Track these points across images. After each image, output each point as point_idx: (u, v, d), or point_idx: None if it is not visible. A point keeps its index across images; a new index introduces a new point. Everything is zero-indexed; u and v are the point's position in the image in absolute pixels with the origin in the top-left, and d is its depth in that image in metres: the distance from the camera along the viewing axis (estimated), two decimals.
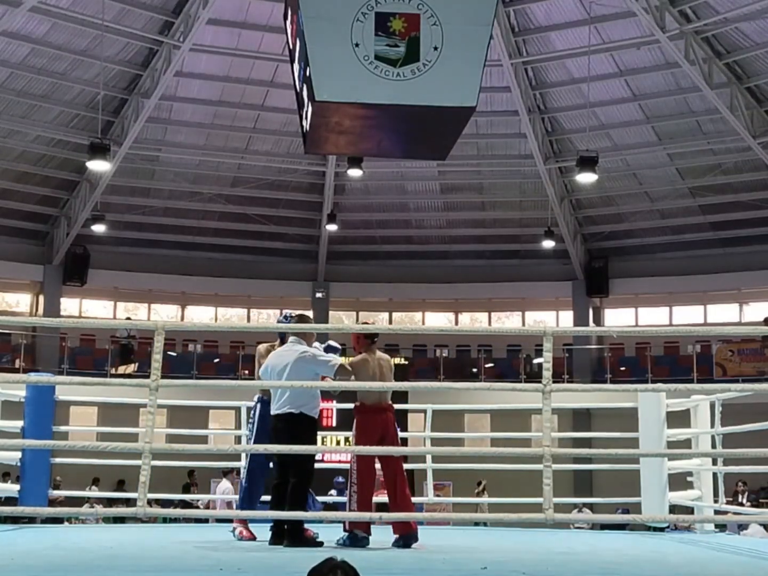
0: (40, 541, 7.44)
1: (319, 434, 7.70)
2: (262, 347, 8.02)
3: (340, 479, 13.87)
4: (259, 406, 7.79)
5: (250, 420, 7.99)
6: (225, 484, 14.30)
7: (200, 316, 25.49)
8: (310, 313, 24.09)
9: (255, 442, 7.66)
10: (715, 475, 9.41)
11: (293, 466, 7.15)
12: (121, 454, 8.54)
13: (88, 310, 24.69)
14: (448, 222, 24.75)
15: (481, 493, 17.32)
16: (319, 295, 24.88)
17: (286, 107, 20.57)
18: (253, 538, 7.72)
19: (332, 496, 13.08)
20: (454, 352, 23.98)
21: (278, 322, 8.36)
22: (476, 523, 12.88)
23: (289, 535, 7.02)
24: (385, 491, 7.40)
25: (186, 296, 25.16)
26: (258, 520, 8.01)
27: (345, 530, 7.15)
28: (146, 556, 6.61)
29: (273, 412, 7.30)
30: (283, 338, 7.82)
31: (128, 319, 24.07)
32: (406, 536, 7.14)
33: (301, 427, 7.18)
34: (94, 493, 15.85)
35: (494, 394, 15.07)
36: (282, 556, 6.59)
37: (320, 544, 7.03)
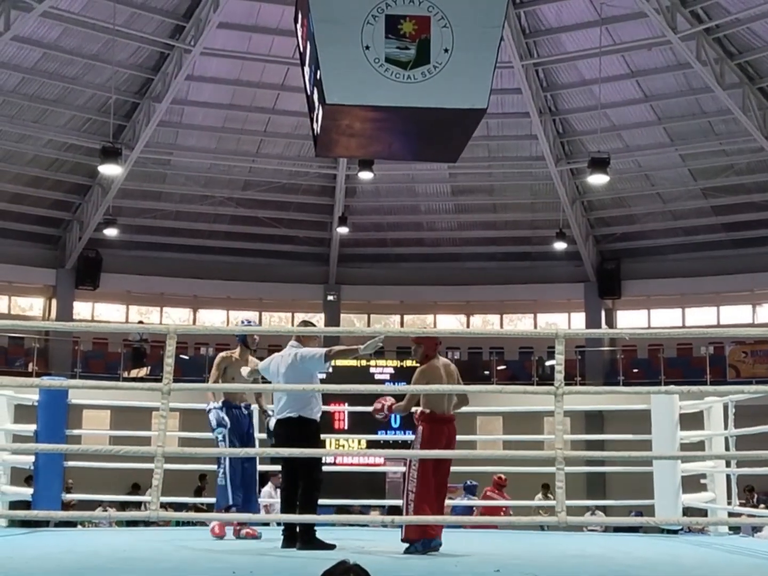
0: (53, 544, 7.46)
1: (333, 437, 7.71)
2: (219, 356, 8.24)
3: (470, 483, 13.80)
4: (224, 410, 7.95)
5: (222, 424, 8.00)
6: (267, 488, 14.16)
7: (212, 319, 25.52)
8: (321, 317, 24.31)
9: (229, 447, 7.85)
10: (728, 477, 9.38)
11: (301, 471, 7.14)
12: (134, 458, 8.56)
13: (101, 313, 24.76)
14: (459, 224, 24.73)
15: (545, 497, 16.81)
16: (330, 297, 24.88)
17: (296, 110, 20.59)
18: (254, 535, 7.91)
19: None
20: (465, 354, 23.93)
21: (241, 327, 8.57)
22: (542, 527, 12.73)
23: (302, 538, 7.03)
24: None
25: (198, 299, 25.20)
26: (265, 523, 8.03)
27: (407, 539, 6.88)
28: (159, 559, 6.61)
29: (275, 417, 7.36)
30: (244, 342, 8.13)
31: (140, 322, 24.14)
32: (426, 541, 6.88)
33: (302, 430, 7.19)
34: (107, 496, 15.88)
35: (506, 397, 15.03)
36: (295, 559, 6.59)
37: (332, 546, 7.02)
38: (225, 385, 8.07)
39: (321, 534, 7.13)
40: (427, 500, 6.89)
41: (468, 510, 13.28)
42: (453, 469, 10.12)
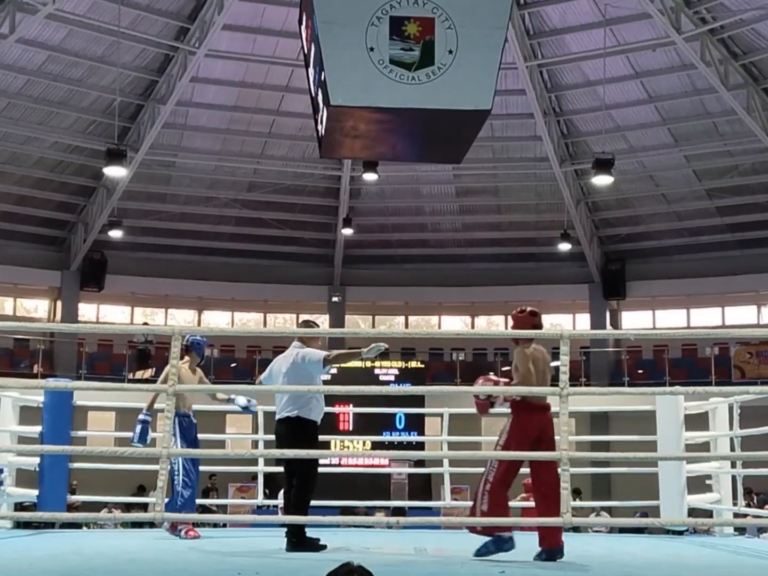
0: (58, 546, 7.46)
1: (337, 438, 7.71)
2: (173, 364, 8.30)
3: None
4: (177, 419, 8.03)
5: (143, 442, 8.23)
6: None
7: (217, 320, 25.54)
8: (325, 318, 24.31)
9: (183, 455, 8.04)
10: (734, 478, 9.36)
11: (296, 471, 7.16)
12: (139, 459, 8.57)
13: (106, 315, 24.78)
14: (463, 225, 24.72)
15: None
16: (335, 299, 24.89)
17: (301, 112, 20.62)
18: (197, 536, 8.06)
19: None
20: (470, 355, 23.93)
21: (197, 338, 8.55)
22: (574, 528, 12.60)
23: (290, 539, 7.00)
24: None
25: (203, 301, 25.22)
26: (269, 524, 8.05)
27: (482, 532, 6.57)
28: (164, 560, 6.62)
29: (276, 417, 7.39)
30: (202, 354, 8.30)
31: (145, 324, 24.15)
32: (551, 550, 6.50)
33: (299, 430, 7.22)
34: (112, 498, 15.89)
35: None
36: (299, 560, 6.60)
37: (323, 547, 6.98)
38: (230, 386, 8.10)
39: (324, 535, 7.13)
40: (503, 492, 6.59)
41: None
42: (458, 469, 10.06)
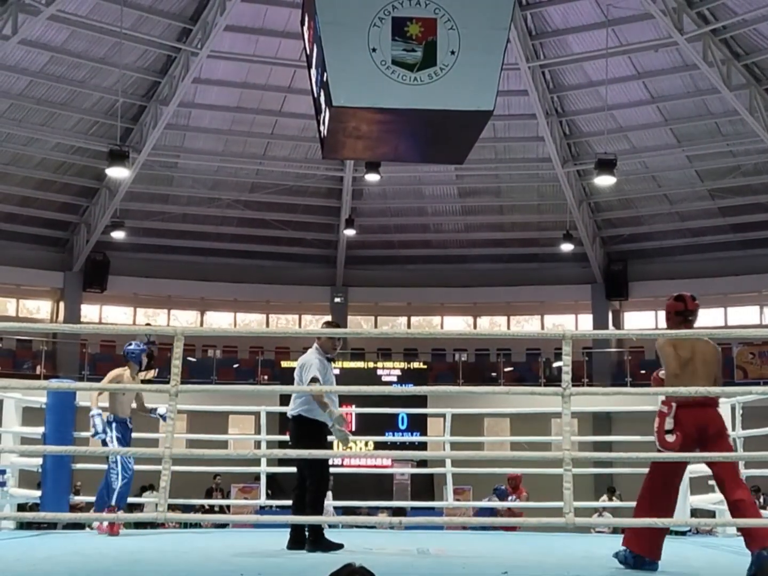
0: (61, 546, 7.47)
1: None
2: (112, 373, 8.77)
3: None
4: (114, 424, 8.54)
5: (105, 431, 8.54)
6: None
7: (219, 321, 25.56)
8: (328, 319, 24.30)
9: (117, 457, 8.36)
10: None
11: (305, 470, 7.24)
12: (141, 460, 8.59)
13: (108, 316, 24.80)
14: (466, 226, 24.73)
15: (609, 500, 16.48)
16: (337, 299, 24.90)
17: (303, 113, 20.61)
18: (116, 533, 8.26)
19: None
20: (473, 356, 23.94)
21: (132, 348, 8.94)
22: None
23: (309, 540, 7.05)
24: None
25: (205, 302, 25.23)
26: (272, 525, 8.05)
27: (626, 547, 6.09)
28: (167, 561, 6.63)
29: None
30: (139, 362, 8.73)
31: (148, 324, 24.17)
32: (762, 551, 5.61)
33: (301, 429, 7.32)
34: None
35: (513, 398, 15.01)
36: (302, 561, 6.60)
37: (340, 546, 7.02)
38: (244, 387, 8.12)
39: (325, 535, 7.13)
40: (651, 500, 6.13)
41: (492, 512, 13.31)
42: (461, 470, 10.03)
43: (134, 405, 8.91)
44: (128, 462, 8.49)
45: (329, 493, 11.49)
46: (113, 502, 8.36)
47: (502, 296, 24.77)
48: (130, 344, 8.98)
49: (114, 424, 8.59)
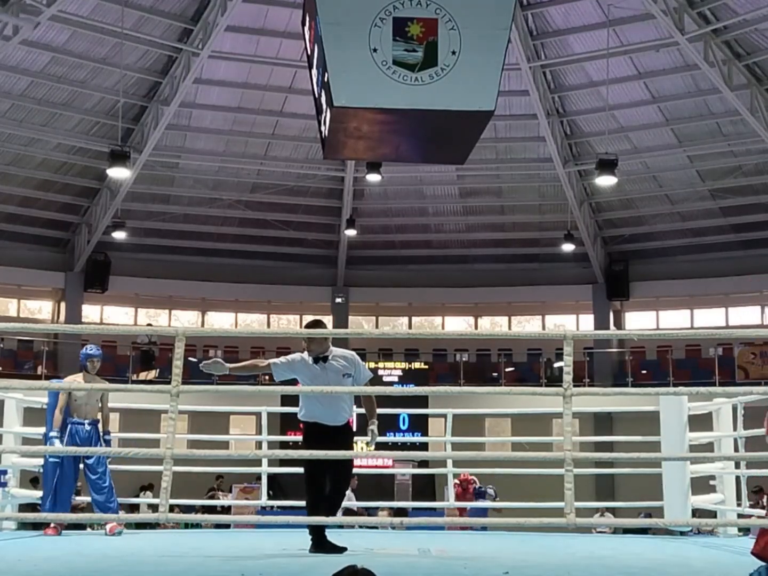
0: (62, 547, 7.47)
1: None
2: (65, 380, 8.95)
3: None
4: (69, 426, 8.56)
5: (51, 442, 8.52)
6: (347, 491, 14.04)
7: (221, 321, 25.57)
8: (329, 319, 24.31)
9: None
10: (737, 478, 9.36)
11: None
12: (143, 460, 8.58)
13: (109, 316, 24.82)
14: (467, 226, 24.73)
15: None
16: (338, 300, 24.89)
17: (304, 113, 20.62)
18: (57, 533, 8.25)
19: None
20: (474, 356, 23.93)
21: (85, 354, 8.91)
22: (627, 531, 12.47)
23: (312, 541, 7.03)
24: None
25: (206, 302, 25.24)
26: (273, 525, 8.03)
27: (757, 554, 5.50)
28: (168, 561, 6.62)
29: None
30: (84, 368, 8.68)
31: (149, 325, 24.18)
32: None
33: (303, 431, 7.37)
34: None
35: (515, 399, 15.00)
36: (303, 562, 6.59)
37: (343, 549, 7.00)
38: (245, 388, 8.11)
39: (326, 535, 7.12)
40: None
41: (483, 512, 13.27)
42: (462, 470, 10.02)
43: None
44: (70, 466, 8.53)
45: (351, 494, 11.52)
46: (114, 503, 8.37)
47: (503, 296, 24.77)
48: (85, 349, 8.95)
49: (69, 426, 8.59)
